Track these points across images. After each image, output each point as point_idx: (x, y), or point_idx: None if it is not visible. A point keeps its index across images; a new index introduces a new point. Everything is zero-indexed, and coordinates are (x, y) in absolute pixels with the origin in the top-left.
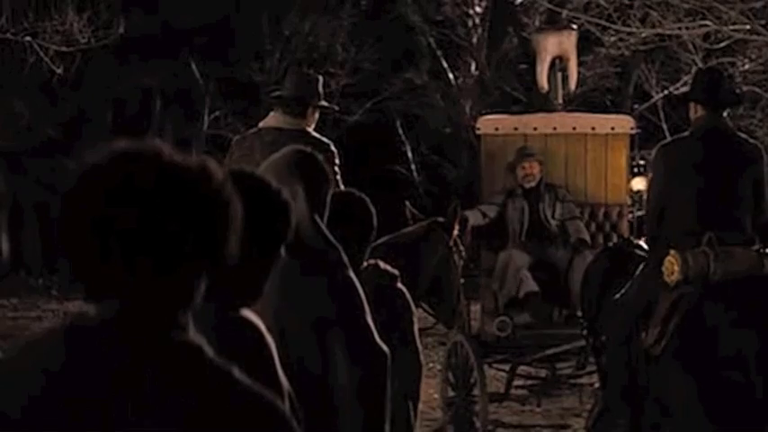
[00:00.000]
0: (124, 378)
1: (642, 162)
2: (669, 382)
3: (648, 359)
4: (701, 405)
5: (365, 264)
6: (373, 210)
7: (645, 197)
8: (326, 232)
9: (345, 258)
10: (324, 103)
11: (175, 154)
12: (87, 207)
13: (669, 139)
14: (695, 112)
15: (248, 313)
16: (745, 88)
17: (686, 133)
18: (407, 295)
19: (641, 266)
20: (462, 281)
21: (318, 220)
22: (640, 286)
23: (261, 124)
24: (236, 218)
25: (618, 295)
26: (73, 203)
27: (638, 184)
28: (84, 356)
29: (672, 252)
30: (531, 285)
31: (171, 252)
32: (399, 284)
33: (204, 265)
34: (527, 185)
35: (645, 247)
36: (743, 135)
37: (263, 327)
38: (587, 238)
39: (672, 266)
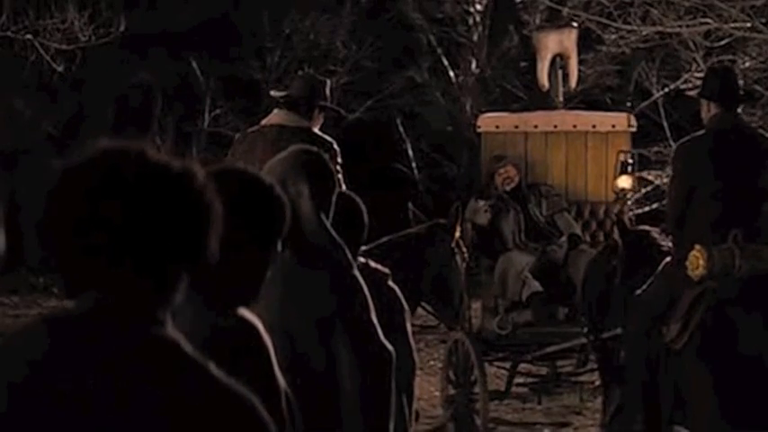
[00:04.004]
0: (102, 371)
1: (630, 161)
2: (688, 377)
3: (669, 353)
4: (717, 401)
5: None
6: (364, 209)
7: (629, 196)
8: (332, 232)
9: (350, 257)
10: (329, 104)
11: (158, 154)
12: (71, 203)
13: (687, 137)
14: (708, 110)
15: (246, 313)
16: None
17: (702, 132)
18: (399, 293)
19: (664, 262)
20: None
21: (324, 219)
22: (664, 281)
23: (263, 122)
24: (218, 218)
25: (639, 291)
26: (57, 200)
27: (624, 182)
28: (64, 349)
29: (697, 247)
30: (534, 286)
31: (152, 250)
32: (390, 282)
33: (185, 263)
34: (508, 188)
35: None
36: (760, 131)
37: (261, 326)
38: (579, 231)
39: (697, 261)
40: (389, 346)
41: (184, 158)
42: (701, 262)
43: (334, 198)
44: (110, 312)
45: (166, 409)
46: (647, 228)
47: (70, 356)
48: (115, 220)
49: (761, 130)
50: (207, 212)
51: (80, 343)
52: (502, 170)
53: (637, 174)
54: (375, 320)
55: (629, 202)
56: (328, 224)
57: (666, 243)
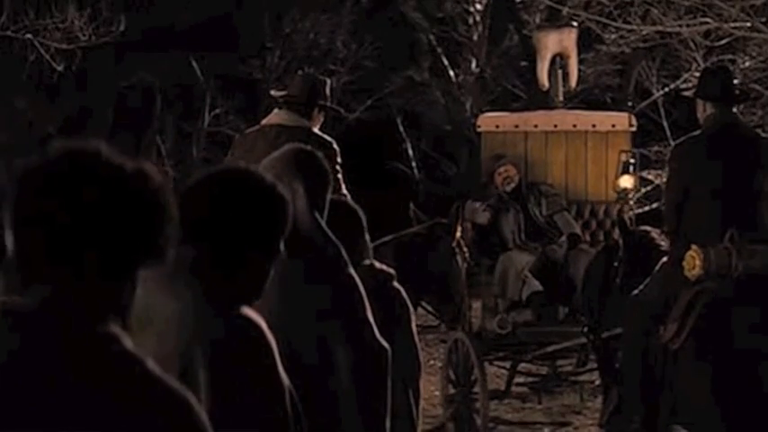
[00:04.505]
0: (43, 366)
1: (632, 161)
2: (685, 377)
3: (666, 354)
4: (714, 401)
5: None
6: (362, 212)
7: (630, 196)
8: (327, 230)
9: (345, 255)
10: (329, 104)
11: (114, 155)
12: (28, 203)
13: (683, 138)
14: (704, 110)
15: (249, 311)
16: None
17: (699, 132)
18: (404, 293)
19: (661, 262)
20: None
21: (319, 217)
22: (661, 281)
23: (264, 122)
24: (173, 218)
25: (636, 291)
26: (15, 199)
27: (626, 182)
28: (9, 343)
29: (694, 247)
30: (534, 285)
31: (104, 248)
32: (395, 283)
33: (137, 262)
34: (508, 188)
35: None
36: (756, 131)
37: (264, 325)
38: (579, 231)
39: (693, 261)
40: (386, 345)
41: (140, 160)
42: (698, 262)
43: (328, 196)
44: (56, 308)
45: (103, 406)
46: (647, 228)
47: (15, 350)
48: (68, 218)
49: (760, 130)
50: (161, 212)
51: (25, 337)
52: (502, 170)
53: (638, 173)
54: (371, 318)
55: (630, 202)
56: (323, 222)
57: (666, 244)
